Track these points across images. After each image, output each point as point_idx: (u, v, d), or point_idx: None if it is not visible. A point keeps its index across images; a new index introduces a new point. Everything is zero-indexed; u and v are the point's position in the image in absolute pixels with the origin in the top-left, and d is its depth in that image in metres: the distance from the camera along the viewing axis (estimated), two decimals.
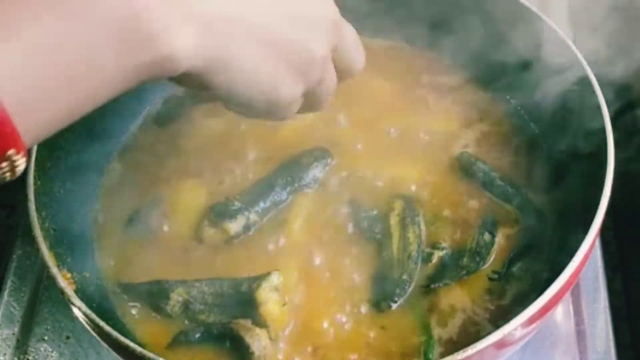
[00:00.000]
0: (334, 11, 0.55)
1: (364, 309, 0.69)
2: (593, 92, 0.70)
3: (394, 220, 0.73)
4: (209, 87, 0.50)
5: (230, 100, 0.53)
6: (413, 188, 0.76)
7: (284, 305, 0.67)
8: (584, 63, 0.72)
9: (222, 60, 0.48)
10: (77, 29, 0.42)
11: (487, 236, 0.72)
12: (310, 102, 0.59)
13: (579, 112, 0.72)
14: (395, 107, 0.84)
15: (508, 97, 0.83)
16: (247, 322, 0.66)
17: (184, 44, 0.45)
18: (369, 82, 0.82)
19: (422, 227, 0.73)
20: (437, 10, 0.85)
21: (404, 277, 0.69)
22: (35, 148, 0.69)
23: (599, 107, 0.69)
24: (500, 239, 0.72)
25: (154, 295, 0.69)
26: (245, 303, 0.67)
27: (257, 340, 0.65)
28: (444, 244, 0.72)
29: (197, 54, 0.47)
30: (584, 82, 0.71)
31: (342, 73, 0.60)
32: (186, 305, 0.68)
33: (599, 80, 0.71)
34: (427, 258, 0.71)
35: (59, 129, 0.45)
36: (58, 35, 0.42)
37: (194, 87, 0.51)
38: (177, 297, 0.68)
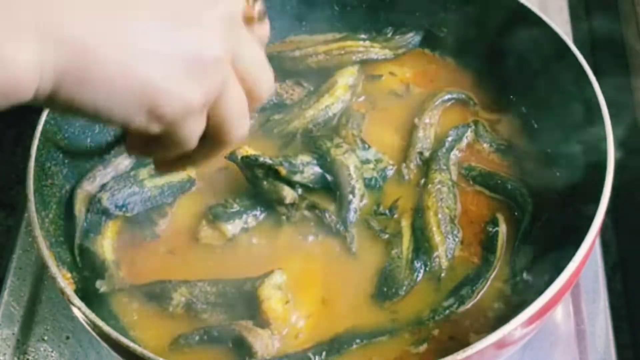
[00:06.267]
0: (227, 11, 0.45)
1: (370, 301, 0.69)
2: (593, 91, 0.70)
3: (405, 222, 0.74)
4: (72, 107, 0.41)
5: (101, 116, 0.42)
6: None
7: (286, 302, 0.68)
8: (584, 62, 0.72)
9: (77, 72, 0.40)
10: None
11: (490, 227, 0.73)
12: (218, 125, 0.47)
13: (579, 111, 0.72)
14: None
15: (510, 95, 0.83)
16: (249, 323, 0.66)
17: (27, 61, 0.38)
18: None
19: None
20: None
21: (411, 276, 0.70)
22: (35, 148, 0.69)
23: (599, 107, 0.69)
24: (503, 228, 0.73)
25: (157, 296, 0.69)
26: (247, 302, 0.67)
27: (260, 340, 0.65)
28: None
29: (44, 70, 0.39)
30: (584, 81, 0.71)
31: (249, 92, 0.48)
32: (189, 305, 0.68)
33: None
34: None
35: None
36: None
37: (61, 111, 0.43)
38: (179, 297, 0.68)
